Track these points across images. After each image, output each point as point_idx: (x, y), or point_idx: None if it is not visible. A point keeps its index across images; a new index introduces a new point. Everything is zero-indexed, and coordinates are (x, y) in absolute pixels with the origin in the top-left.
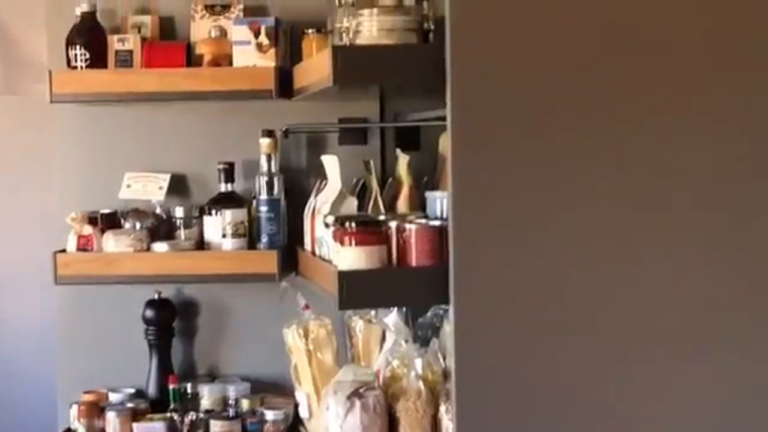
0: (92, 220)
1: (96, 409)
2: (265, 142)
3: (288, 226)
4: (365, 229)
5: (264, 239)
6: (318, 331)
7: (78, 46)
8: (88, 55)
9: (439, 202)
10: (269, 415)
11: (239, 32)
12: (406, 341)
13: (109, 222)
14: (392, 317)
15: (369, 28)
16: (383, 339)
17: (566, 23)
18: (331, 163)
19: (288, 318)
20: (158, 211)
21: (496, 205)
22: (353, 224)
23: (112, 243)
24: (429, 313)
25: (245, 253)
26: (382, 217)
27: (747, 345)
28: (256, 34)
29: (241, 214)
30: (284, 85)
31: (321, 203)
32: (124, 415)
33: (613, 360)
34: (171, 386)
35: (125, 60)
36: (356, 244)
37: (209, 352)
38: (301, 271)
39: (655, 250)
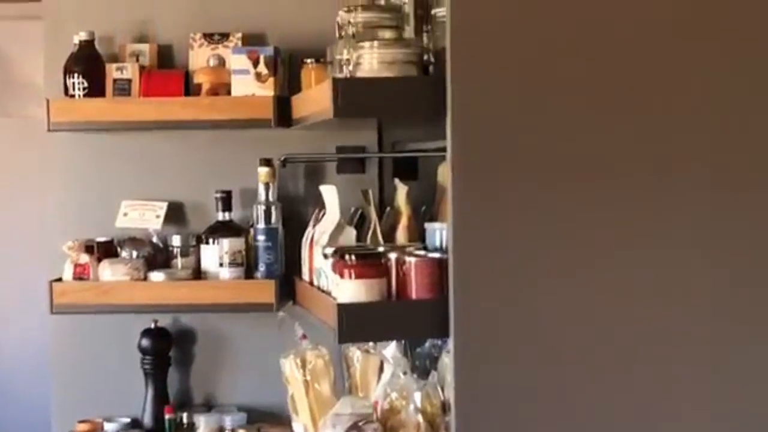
0: (89, 248)
1: None
2: (263, 171)
3: (285, 255)
4: (365, 261)
5: (261, 268)
6: (315, 362)
7: (76, 75)
8: (86, 84)
9: (439, 233)
10: None
11: (238, 61)
12: (405, 373)
13: (106, 250)
14: (391, 348)
15: (369, 61)
16: (381, 369)
17: (567, 57)
18: (329, 193)
19: (285, 347)
20: (155, 239)
21: (497, 238)
22: (353, 257)
23: (108, 272)
24: (427, 344)
25: (243, 282)
26: (381, 249)
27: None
28: (255, 63)
29: (238, 243)
30: (283, 113)
31: (319, 233)
32: None
33: (616, 393)
34: (167, 416)
35: (123, 88)
36: (356, 277)
37: (206, 381)
38: (299, 301)
39: (656, 283)
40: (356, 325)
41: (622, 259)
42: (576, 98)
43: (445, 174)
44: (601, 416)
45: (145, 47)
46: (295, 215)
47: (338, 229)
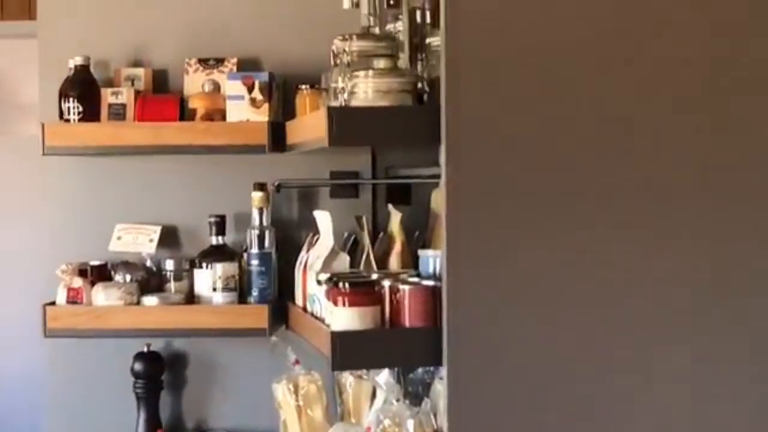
0: (82, 272)
1: None
2: (257, 195)
3: (278, 279)
4: (359, 289)
5: (255, 293)
6: (308, 387)
7: (71, 99)
8: (81, 108)
9: (432, 261)
10: None
11: (233, 87)
12: (398, 400)
13: (99, 274)
14: (384, 375)
15: (364, 90)
16: (374, 395)
17: (561, 87)
18: (323, 218)
19: (277, 372)
20: (149, 263)
21: (491, 266)
22: (347, 285)
23: (102, 296)
24: (419, 370)
25: (236, 307)
26: (375, 277)
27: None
28: (250, 89)
29: (231, 267)
30: (277, 139)
31: (313, 258)
32: None
33: (612, 421)
34: None
35: (118, 113)
36: (350, 305)
37: (198, 405)
38: (292, 326)
39: (653, 311)
40: (350, 353)
41: (620, 286)
42: (569, 127)
43: (438, 200)
44: None
45: (140, 71)
46: (288, 239)
47: (332, 254)
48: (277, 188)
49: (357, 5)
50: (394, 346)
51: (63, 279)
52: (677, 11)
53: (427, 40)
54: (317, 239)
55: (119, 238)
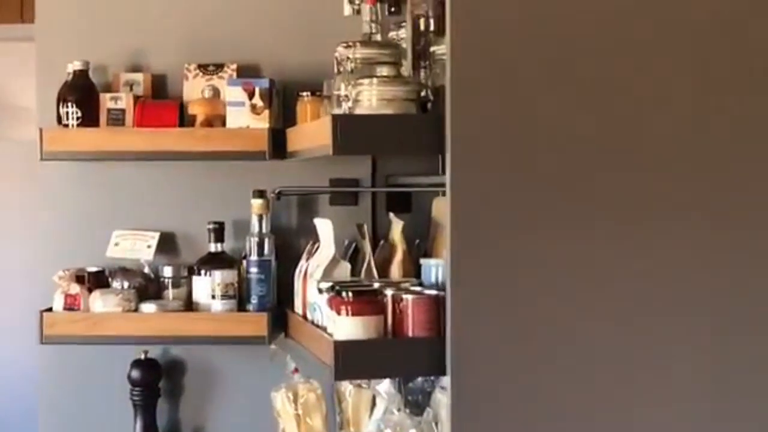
0: (79, 278)
1: None
2: (256, 203)
3: (277, 287)
4: (362, 298)
5: (254, 301)
6: (307, 396)
7: (70, 104)
8: (79, 113)
9: (435, 269)
10: None
11: (233, 93)
12: (399, 409)
13: (97, 281)
14: (384, 384)
15: (368, 97)
16: (373, 404)
17: (567, 98)
18: (324, 227)
19: (275, 381)
20: (146, 270)
21: (495, 276)
22: (350, 294)
23: (99, 303)
24: (419, 379)
25: (235, 315)
26: (377, 285)
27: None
28: (250, 96)
29: (230, 275)
30: (277, 146)
31: (313, 267)
32: None
33: None
34: None
35: (117, 118)
36: (353, 314)
37: (195, 414)
38: (291, 334)
39: (659, 316)
40: (353, 362)
41: (626, 297)
42: (575, 137)
43: (439, 209)
44: None
45: (139, 77)
46: (287, 246)
47: (333, 263)
48: (278, 196)
49: (358, 12)
50: (397, 356)
51: (60, 285)
52: (692, 10)
53: (431, 48)
54: (317, 247)
55: (117, 244)
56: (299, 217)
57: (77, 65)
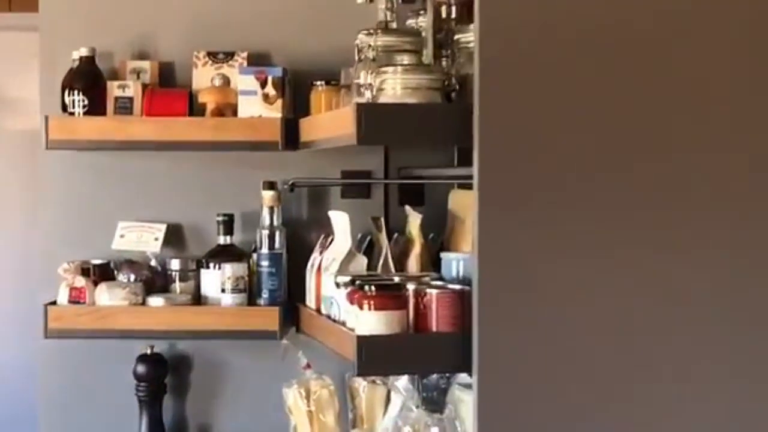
0: (84, 271)
1: None
2: (268, 194)
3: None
4: (385, 293)
5: (265, 295)
6: (320, 392)
7: (76, 92)
8: (86, 101)
9: (456, 263)
10: None
11: (245, 82)
12: (417, 406)
13: (102, 273)
14: (403, 380)
15: (393, 86)
16: (388, 400)
17: (599, 87)
18: (340, 220)
19: (285, 376)
20: (153, 263)
21: (523, 270)
22: (373, 288)
23: (106, 296)
24: (434, 375)
25: (246, 309)
26: (396, 279)
27: None
28: (263, 84)
29: (241, 268)
30: (290, 136)
31: (328, 260)
32: None
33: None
34: None
35: (125, 107)
36: (375, 309)
37: (202, 410)
38: (304, 329)
39: (693, 323)
40: (376, 358)
41: (660, 295)
42: (609, 129)
43: (456, 201)
44: None
45: (146, 64)
46: (298, 238)
47: (349, 256)
48: (291, 187)
49: (371, 0)
50: (421, 352)
51: (65, 278)
52: (722, 12)
53: (456, 37)
54: (331, 240)
55: (122, 236)
56: (310, 209)
57: (84, 52)
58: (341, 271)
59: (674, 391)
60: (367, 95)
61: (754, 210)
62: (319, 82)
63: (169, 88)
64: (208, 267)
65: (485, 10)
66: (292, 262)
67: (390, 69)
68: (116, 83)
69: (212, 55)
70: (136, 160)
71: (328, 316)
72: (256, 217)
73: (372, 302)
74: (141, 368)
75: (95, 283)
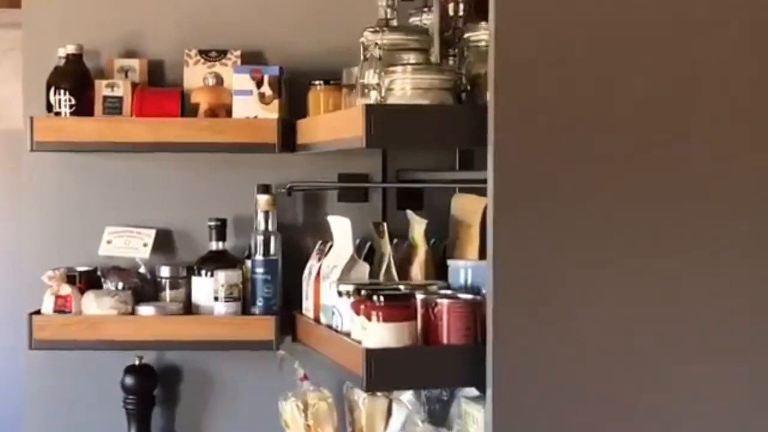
0: (70, 278)
1: None
2: (263, 198)
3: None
4: (394, 303)
5: (259, 303)
6: (319, 405)
7: (62, 91)
8: (73, 101)
9: (464, 271)
10: None
11: (240, 81)
12: (423, 421)
13: (89, 281)
14: (408, 392)
15: (402, 86)
16: (389, 413)
17: (621, 87)
18: (340, 225)
19: (280, 388)
20: (142, 269)
21: (541, 280)
22: (381, 298)
23: (93, 305)
24: None
25: (240, 318)
26: (402, 288)
27: None
28: (259, 84)
29: (235, 276)
30: (286, 138)
31: (328, 268)
32: None
33: None
34: None
35: (114, 107)
36: (384, 320)
37: (193, 424)
38: (302, 339)
39: (713, 331)
40: (386, 372)
41: (679, 303)
42: (629, 132)
43: (460, 206)
44: None
45: (134, 63)
46: (292, 244)
47: (350, 263)
48: (289, 191)
49: None
50: (433, 365)
51: (50, 285)
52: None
53: (466, 35)
54: (330, 246)
55: (109, 242)
56: (305, 213)
57: (70, 49)
58: (342, 278)
59: (695, 409)
60: (374, 96)
61: None
62: (317, 82)
63: (160, 88)
64: (199, 274)
65: (501, 7)
66: (286, 269)
67: (399, 68)
68: (105, 82)
69: (204, 54)
70: (124, 162)
71: (329, 326)
72: (248, 221)
73: (381, 313)
74: (129, 380)
75: (81, 291)
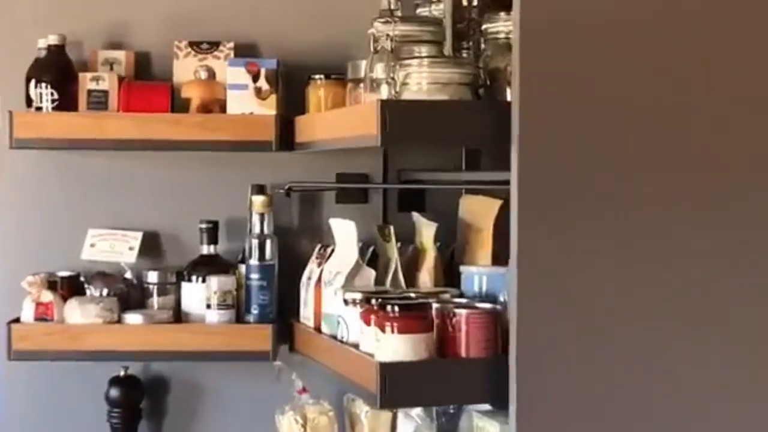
0: (51, 284)
1: None
2: (258, 200)
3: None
4: (410, 313)
5: (255, 311)
6: (318, 418)
7: (44, 84)
8: (55, 95)
9: (478, 278)
10: None
11: (235, 74)
12: None
13: (71, 287)
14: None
15: (418, 81)
16: (393, 428)
17: (651, 80)
18: (344, 229)
19: (277, 401)
20: (128, 275)
21: (568, 287)
22: (396, 308)
23: (77, 312)
24: None
25: (235, 327)
26: (413, 296)
27: None
28: (255, 78)
29: (229, 281)
30: (283, 136)
31: (331, 274)
32: None
33: None
34: None
35: (100, 101)
36: (399, 332)
37: None
38: (300, 349)
39: (745, 329)
40: (403, 388)
41: (717, 309)
42: (661, 129)
43: (469, 208)
44: None
45: (119, 54)
46: (287, 248)
47: (355, 269)
48: (287, 192)
49: None
50: (452, 380)
51: (30, 292)
52: None
53: (483, 27)
54: (332, 251)
55: (93, 245)
56: (301, 215)
57: (52, 39)
58: (347, 285)
59: (731, 418)
60: (385, 91)
61: None
62: (317, 76)
63: (149, 82)
64: (189, 280)
65: None
66: (281, 274)
67: (414, 62)
68: (89, 75)
69: (195, 45)
70: (108, 159)
71: (334, 336)
72: (239, 224)
73: (396, 324)
74: (114, 392)
75: (64, 298)
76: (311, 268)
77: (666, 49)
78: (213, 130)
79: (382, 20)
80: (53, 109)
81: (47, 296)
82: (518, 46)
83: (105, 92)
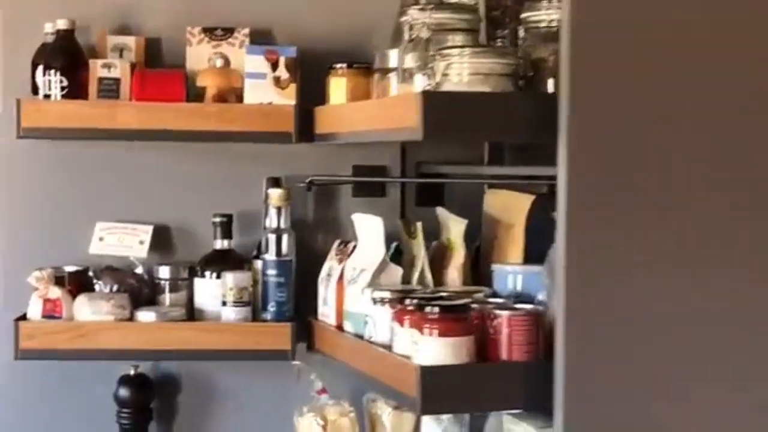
0: (58, 279)
1: None
2: (275, 193)
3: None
4: (450, 315)
5: (272, 308)
6: (339, 420)
7: (53, 71)
8: (65, 83)
9: (512, 277)
10: None
11: (253, 62)
12: None
13: (79, 282)
14: None
15: (459, 72)
16: (416, 430)
17: (707, 71)
18: (369, 225)
19: (295, 402)
20: (139, 270)
21: (619, 288)
22: (435, 309)
23: (87, 309)
24: None
25: (255, 325)
26: (445, 295)
27: None
28: (274, 66)
29: (245, 277)
30: (303, 127)
31: (355, 271)
32: None
33: None
34: None
35: (111, 90)
36: (440, 334)
37: None
38: (320, 348)
39: None
40: (445, 393)
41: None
42: (718, 125)
43: (497, 204)
44: None
45: (129, 40)
46: (303, 243)
47: (381, 266)
48: (309, 186)
49: None
50: (495, 385)
51: (38, 288)
52: None
53: (523, 15)
54: (354, 247)
55: (101, 239)
56: (316, 209)
57: (61, 24)
58: (374, 283)
59: None
60: (419, 81)
61: None
62: (339, 65)
63: (162, 69)
64: (203, 275)
65: None
66: (297, 270)
67: (455, 51)
68: (100, 62)
69: (209, 32)
70: (119, 151)
71: (359, 336)
72: (253, 217)
73: (437, 326)
74: (123, 391)
75: (72, 294)
76: (331, 265)
77: (722, 46)
78: (231, 121)
79: (418, 7)
80: (62, 97)
81: (55, 292)
82: (567, 38)
83: (117, 80)
